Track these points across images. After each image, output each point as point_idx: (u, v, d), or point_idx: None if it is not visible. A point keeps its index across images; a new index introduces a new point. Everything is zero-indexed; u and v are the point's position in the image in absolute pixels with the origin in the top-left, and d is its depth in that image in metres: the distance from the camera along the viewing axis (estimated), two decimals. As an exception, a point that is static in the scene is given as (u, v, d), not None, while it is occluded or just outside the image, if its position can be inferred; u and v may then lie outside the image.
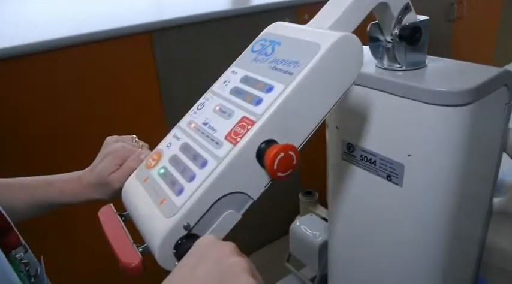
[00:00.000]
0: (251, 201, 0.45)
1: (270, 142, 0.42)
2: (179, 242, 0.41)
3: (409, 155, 0.57)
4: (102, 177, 0.55)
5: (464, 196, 0.59)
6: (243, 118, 0.43)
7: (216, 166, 0.42)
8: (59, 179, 0.58)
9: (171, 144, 0.49)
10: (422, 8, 0.60)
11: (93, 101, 1.22)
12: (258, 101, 0.44)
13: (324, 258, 1.00)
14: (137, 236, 0.46)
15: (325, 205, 1.18)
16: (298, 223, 1.04)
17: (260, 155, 0.42)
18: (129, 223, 0.48)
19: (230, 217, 0.44)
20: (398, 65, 0.58)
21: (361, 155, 0.65)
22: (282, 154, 0.40)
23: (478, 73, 0.55)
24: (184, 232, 0.42)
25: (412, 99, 0.54)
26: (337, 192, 0.72)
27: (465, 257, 0.69)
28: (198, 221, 0.42)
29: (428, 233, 0.62)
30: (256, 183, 0.44)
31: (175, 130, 0.51)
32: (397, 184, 0.60)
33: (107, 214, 0.49)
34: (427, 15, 0.57)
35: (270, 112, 0.42)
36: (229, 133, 0.43)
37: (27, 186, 0.57)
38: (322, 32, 0.46)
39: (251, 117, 0.43)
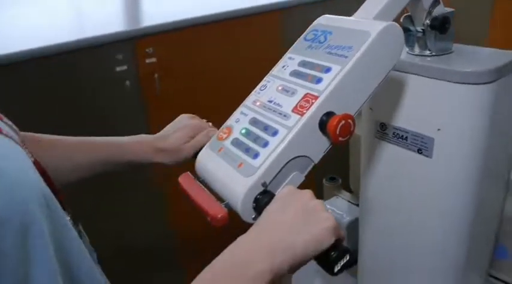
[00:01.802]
0: (312, 164, 0.53)
1: (329, 114, 0.51)
2: (257, 197, 0.50)
3: (438, 129, 0.66)
4: (176, 145, 0.64)
5: (488, 164, 0.67)
6: (307, 94, 0.52)
7: (287, 134, 0.50)
8: (131, 141, 0.67)
9: (239, 119, 0.58)
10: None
11: None
12: (319, 80, 0.52)
13: (351, 237, 1.08)
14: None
15: (348, 191, 1.26)
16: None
17: (322, 124, 0.51)
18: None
19: (296, 177, 0.53)
20: (429, 51, 0.66)
21: (394, 132, 0.73)
22: (343, 122, 0.49)
23: (498, 56, 0.64)
24: (262, 189, 0.50)
25: (442, 80, 0.63)
26: (370, 168, 0.81)
27: (488, 222, 0.77)
28: (272, 180, 0.51)
29: (457, 201, 0.70)
30: (318, 148, 0.52)
31: (241, 108, 0.59)
32: (427, 156, 0.69)
33: (187, 180, 0.57)
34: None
35: (330, 88, 0.51)
36: (295, 107, 0.52)
37: (104, 144, 0.66)
38: (370, 22, 0.54)
39: (314, 93, 0.51)
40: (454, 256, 0.76)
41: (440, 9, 0.63)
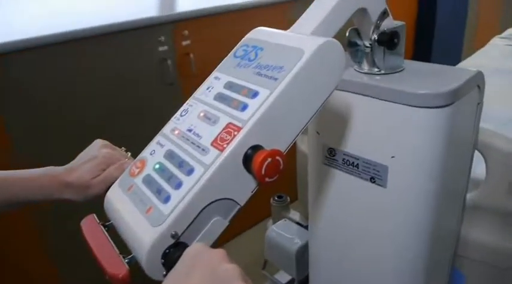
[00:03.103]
0: (238, 207, 0.44)
1: (256, 148, 0.42)
2: (167, 251, 0.41)
3: (392, 157, 0.58)
4: (84, 180, 0.54)
5: (444, 192, 0.61)
6: (229, 125, 0.43)
7: (203, 173, 0.41)
8: (36, 175, 0.56)
9: (154, 151, 0.49)
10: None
11: None
12: (244, 107, 0.44)
13: (301, 262, 1.00)
14: (123, 247, 0.45)
15: (296, 208, 1.19)
16: (273, 229, 1.03)
17: (247, 161, 0.42)
18: (114, 233, 0.47)
19: (218, 224, 0.43)
20: (377, 69, 0.59)
21: (344, 159, 0.65)
22: (269, 160, 0.40)
23: (453, 75, 0.57)
24: (172, 241, 0.41)
25: (394, 102, 0.55)
26: (318, 196, 0.73)
27: (444, 251, 0.71)
28: (185, 230, 0.41)
29: (412, 230, 0.63)
30: (243, 188, 0.44)
31: (158, 138, 0.50)
32: (381, 185, 0.61)
33: (90, 225, 0.47)
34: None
35: (256, 118, 0.42)
36: (215, 140, 0.43)
37: (5, 180, 0.55)
38: (305, 38, 0.46)
39: (237, 123, 0.43)
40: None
41: (389, 23, 0.56)
